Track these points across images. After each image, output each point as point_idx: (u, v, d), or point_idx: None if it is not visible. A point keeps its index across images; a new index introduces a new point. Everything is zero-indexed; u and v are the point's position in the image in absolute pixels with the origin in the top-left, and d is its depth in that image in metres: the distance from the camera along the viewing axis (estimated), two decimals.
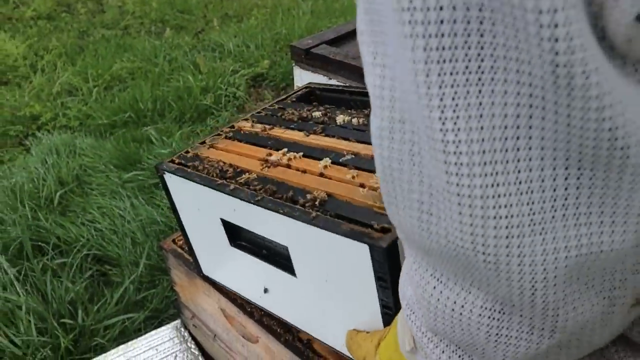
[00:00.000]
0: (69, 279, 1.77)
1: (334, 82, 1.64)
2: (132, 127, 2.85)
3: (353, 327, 0.94)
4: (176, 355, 1.54)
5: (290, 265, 0.96)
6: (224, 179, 1.02)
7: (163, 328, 1.61)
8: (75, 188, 2.32)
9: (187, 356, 1.53)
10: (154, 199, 2.17)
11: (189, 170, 1.06)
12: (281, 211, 0.87)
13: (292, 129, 1.17)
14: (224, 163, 1.07)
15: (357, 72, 1.61)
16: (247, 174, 1.02)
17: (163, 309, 1.73)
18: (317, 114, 1.22)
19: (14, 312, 1.65)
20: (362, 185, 0.90)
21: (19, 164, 2.54)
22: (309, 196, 0.90)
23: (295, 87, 1.83)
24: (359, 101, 1.29)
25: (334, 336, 1.04)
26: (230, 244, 1.08)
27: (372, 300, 0.82)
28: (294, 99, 1.35)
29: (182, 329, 1.59)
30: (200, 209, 1.09)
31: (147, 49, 3.69)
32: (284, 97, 1.38)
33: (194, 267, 1.28)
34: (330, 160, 0.99)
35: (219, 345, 1.42)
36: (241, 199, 0.94)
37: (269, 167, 1.03)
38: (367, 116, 1.20)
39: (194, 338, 1.57)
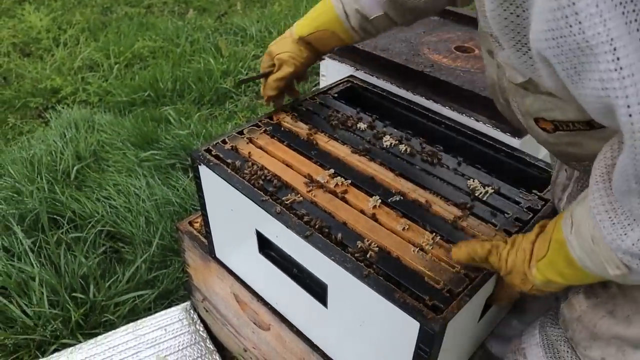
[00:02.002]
0: (83, 253, 1.78)
1: (361, 73, 1.61)
2: (151, 106, 2.85)
3: None
4: (184, 337, 1.54)
5: (324, 298, 0.95)
6: (267, 193, 0.99)
7: (173, 309, 1.61)
8: (92, 163, 2.33)
9: (195, 338, 1.53)
10: (170, 179, 2.17)
11: (229, 170, 1.04)
12: (332, 257, 0.86)
13: (336, 139, 1.14)
14: (268, 171, 1.03)
15: (384, 64, 1.58)
16: (292, 193, 0.99)
17: (173, 290, 1.73)
18: (362, 125, 1.19)
19: (27, 283, 1.66)
20: (413, 244, 0.89)
21: (38, 136, 2.55)
22: (359, 244, 0.89)
23: (320, 77, 1.81)
24: (402, 115, 1.26)
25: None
26: (259, 252, 1.06)
27: (404, 357, 0.82)
28: (336, 94, 1.32)
29: (192, 311, 1.60)
30: (234, 211, 1.06)
31: (170, 29, 3.68)
32: (324, 89, 1.35)
33: (207, 247, 1.28)
34: (379, 200, 0.98)
35: (228, 329, 1.42)
36: (288, 227, 0.92)
37: (315, 188, 1.00)
38: (408, 139, 1.16)
39: (202, 321, 1.57)
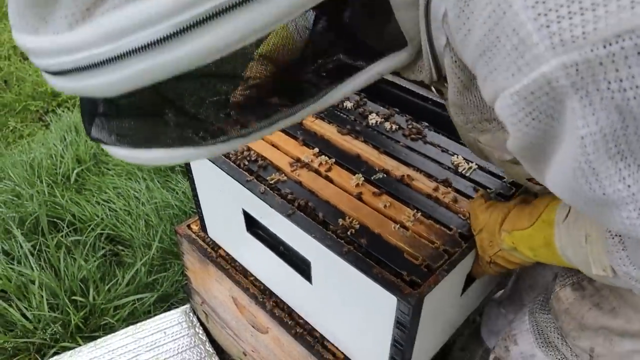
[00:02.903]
0: (82, 257, 1.79)
1: None
2: None
3: (360, 339, 0.96)
4: (183, 340, 1.55)
5: (308, 274, 0.97)
6: (252, 174, 1.00)
7: (172, 312, 1.62)
8: (92, 167, 2.33)
9: (195, 341, 1.53)
10: (169, 182, 2.17)
11: None
12: (313, 235, 0.88)
13: (322, 118, 1.16)
14: (253, 152, 1.06)
15: None
16: (276, 172, 1.00)
17: (173, 293, 1.73)
18: (348, 104, 1.21)
19: (27, 286, 1.67)
20: (394, 220, 0.91)
21: (38, 139, 2.56)
22: (341, 222, 0.91)
23: None
24: (389, 93, 1.26)
25: (340, 340, 1.05)
26: (247, 230, 1.09)
27: (384, 332, 0.86)
28: None
29: (191, 314, 1.60)
30: (222, 192, 1.08)
31: None
32: None
33: (200, 226, 1.30)
34: (363, 178, 1.00)
35: (227, 332, 1.42)
36: (272, 206, 0.93)
37: (299, 168, 1.01)
38: (394, 117, 1.18)
39: (202, 324, 1.58)
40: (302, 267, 0.98)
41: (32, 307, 1.61)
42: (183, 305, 1.65)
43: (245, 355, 1.39)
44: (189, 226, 1.39)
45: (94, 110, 0.59)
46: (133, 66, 0.47)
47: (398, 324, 0.82)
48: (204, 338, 1.54)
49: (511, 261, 0.82)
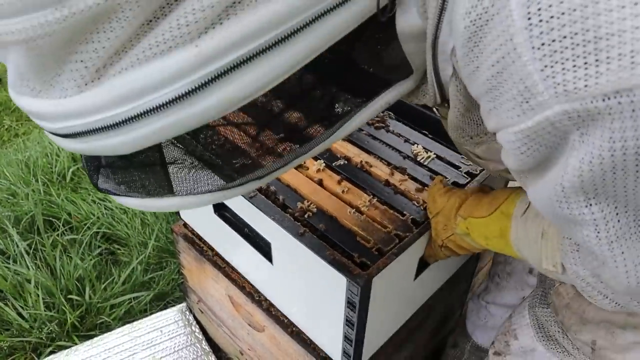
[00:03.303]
0: (78, 255, 1.78)
1: None
2: None
3: (317, 319, 1.01)
4: (180, 338, 1.55)
5: (269, 255, 1.01)
6: None
7: (168, 310, 1.62)
8: None
9: (191, 340, 1.54)
10: None
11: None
12: (272, 217, 0.92)
13: None
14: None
15: None
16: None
17: (169, 292, 1.73)
18: None
19: (23, 285, 1.66)
20: (350, 205, 0.96)
21: (34, 138, 2.56)
22: (299, 205, 0.96)
23: None
24: None
25: (299, 319, 1.09)
26: (214, 212, 1.12)
27: (337, 312, 0.89)
28: None
29: (187, 313, 1.60)
30: None
31: None
32: None
33: (172, 214, 1.34)
34: (324, 164, 1.05)
35: (223, 331, 1.43)
36: None
37: None
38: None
39: (198, 322, 1.58)
40: (264, 248, 1.02)
41: (28, 306, 1.61)
42: (179, 303, 1.65)
43: (242, 354, 1.40)
44: (185, 224, 1.39)
45: (98, 163, 0.58)
46: (149, 125, 0.46)
47: (349, 304, 0.85)
48: (200, 336, 1.54)
49: (461, 246, 0.86)
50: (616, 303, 0.60)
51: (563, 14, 0.36)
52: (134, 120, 0.46)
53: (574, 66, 0.37)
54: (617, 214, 0.44)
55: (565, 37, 0.37)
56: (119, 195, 0.60)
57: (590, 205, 0.44)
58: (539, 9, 0.37)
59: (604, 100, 0.36)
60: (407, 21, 0.53)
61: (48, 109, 0.47)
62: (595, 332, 0.79)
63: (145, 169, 0.57)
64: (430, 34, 0.52)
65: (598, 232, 0.46)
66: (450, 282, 1.24)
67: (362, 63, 0.59)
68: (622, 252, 0.47)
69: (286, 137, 0.60)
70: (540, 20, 0.37)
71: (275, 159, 0.58)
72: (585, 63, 0.36)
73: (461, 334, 1.35)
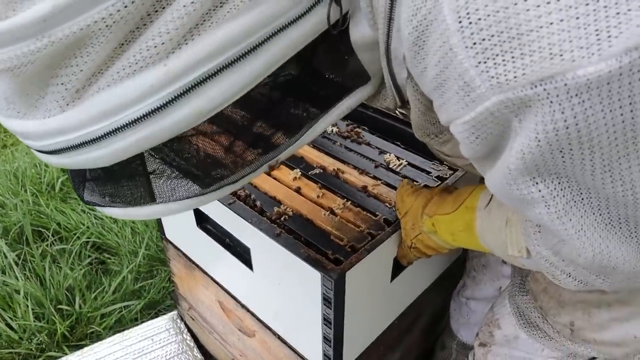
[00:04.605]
0: (68, 265, 1.78)
1: None
2: None
3: (300, 322, 1.02)
4: (171, 346, 1.54)
5: (249, 261, 1.03)
6: None
7: (159, 319, 1.61)
8: None
9: (183, 347, 1.53)
10: None
11: None
12: (249, 220, 0.95)
13: None
14: None
15: None
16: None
17: (160, 300, 1.73)
18: None
19: (12, 296, 1.65)
20: (325, 208, 1.01)
21: (22, 148, 2.54)
22: (276, 209, 0.99)
23: None
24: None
25: (280, 326, 1.10)
26: (197, 225, 1.15)
27: (315, 311, 0.92)
28: None
29: (179, 320, 1.60)
30: None
31: None
32: None
33: (158, 229, 1.36)
34: (300, 173, 1.10)
35: (214, 337, 1.42)
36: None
37: None
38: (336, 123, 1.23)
39: (189, 330, 1.57)
40: (244, 255, 1.05)
41: (17, 317, 1.60)
42: (170, 312, 1.64)
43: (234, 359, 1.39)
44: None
45: (83, 176, 0.62)
46: (126, 139, 0.50)
47: (324, 300, 0.88)
48: (192, 344, 1.54)
49: (429, 246, 0.89)
50: (579, 281, 0.62)
51: (489, 15, 0.40)
52: (112, 134, 0.50)
53: (503, 60, 0.41)
54: (562, 188, 0.47)
55: (492, 35, 0.41)
56: (103, 206, 0.63)
57: (537, 183, 0.47)
58: (468, 13, 0.41)
59: (531, 88, 0.40)
60: (359, 32, 0.58)
61: (33, 128, 0.50)
62: (573, 314, 0.82)
63: (127, 179, 0.61)
64: (382, 42, 0.56)
65: (548, 208, 0.49)
66: (438, 283, 1.25)
67: (322, 72, 0.64)
68: (573, 225, 0.50)
69: (255, 144, 0.64)
70: (470, 23, 0.41)
71: (246, 165, 0.63)
72: (512, 57, 0.40)
73: (447, 334, 1.36)
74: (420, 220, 0.87)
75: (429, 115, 0.63)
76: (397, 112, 0.70)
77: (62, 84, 0.47)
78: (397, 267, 1.01)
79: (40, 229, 1.97)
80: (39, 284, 1.70)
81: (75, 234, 1.91)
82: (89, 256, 1.87)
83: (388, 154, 1.16)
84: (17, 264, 1.77)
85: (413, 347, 1.34)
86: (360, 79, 0.65)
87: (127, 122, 0.49)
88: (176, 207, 0.62)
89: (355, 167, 1.12)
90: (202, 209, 1.09)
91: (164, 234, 1.35)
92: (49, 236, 1.92)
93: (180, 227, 1.25)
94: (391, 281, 1.03)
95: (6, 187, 2.16)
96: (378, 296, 1.02)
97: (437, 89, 0.49)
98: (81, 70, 0.46)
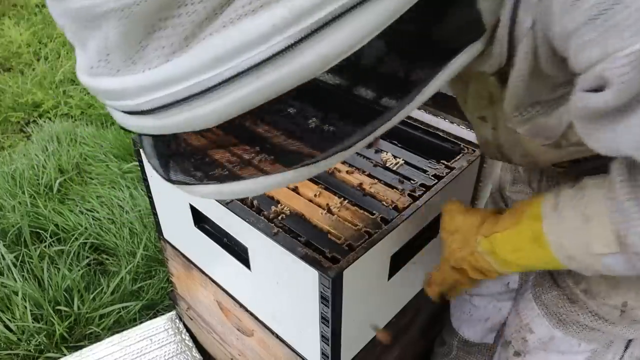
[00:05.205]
0: (66, 266, 1.78)
1: None
2: None
3: (298, 321, 1.02)
4: (170, 346, 1.54)
5: (247, 261, 1.03)
6: None
7: (158, 319, 1.62)
8: (75, 176, 2.32)
9: (181, 348, 1.53)
10: None
11: None
12: (247, 220, 0.95)
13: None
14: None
15: None
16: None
17: (158, 300, 1.73)
18: None
19: (10, 298, 1.65)
20: (322, 207, 1.00)
21: (20, 150, 2.54)
22: (273, 208, 0.99)
23: None
24: None
25: (279, 325, 1.10)
26: (195, 225, 1.15)
27: (313, 309, 0.92)
28: None
29: (177, 320, 1.60)
30: (172, 189, 1.12)
31: None
32: None
33: (156, 229, 1.35)
34: None
35: (213, 337, 1.43)
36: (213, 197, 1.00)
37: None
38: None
39: (188, 330, 1.58)
40: (242, 255, 1.04)
41: (15, 319, 1.60)
42: (169, 312, 1.65)
43: (232, 359, 1.40)
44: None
45: (172, 151, 0.56)
46: (244, 88, 0.44)
47: (322, 299, 0.87)
48: (191, 344, 1.54)
49: (478, 268, 0.82)
50: None
51: None
52: (228, 82, 0.44)
53: None
54: None
55: None
56: (195, 184, 0.57)
57: None
58: None
59: None
60: None
61: (130, 84, 0.45)
62: (626, 294, 0.80)
63: (233, 144, 0.54)
64: None
65: None
66: None
67: (442, 23, 0.58)
68: None
69: (367, 107, 0.58)
70: None
71: (358, 128, 0.56)
72: None
73: (447, 331, 1.36)
74: (474, 240, 0.80)
75: (534, 78, 0.57)
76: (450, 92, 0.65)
77: (172, 26, 0.42)
78: (395, 266, 1.01)
79: (38, 230, 1.97)
80: (37, 285, 1.70)
81: (73, 235, 1.91)
82: (87, 257, 1.88)
83: (385, 153, 1.16)
84: (15, 266, 1.77)
85: (411, 345, 1.35)
86: (476, 32, 0.58)
87: (248, 66, 0.43)
88: (271, 181, 0.54)
89: (352, 166, 1.13)
90: (200, 208, 1.09)
91: (161, 234, 1.35)
92: (47, 237, 1.93)
93: (178, 227, 1.25)
94: (388, 279, 1.03)
95: (4, 189, 2.16)
96: (375, 294, 1.02)
97: (595, 18, 0.44)
98: (195, 11, 0.41)
